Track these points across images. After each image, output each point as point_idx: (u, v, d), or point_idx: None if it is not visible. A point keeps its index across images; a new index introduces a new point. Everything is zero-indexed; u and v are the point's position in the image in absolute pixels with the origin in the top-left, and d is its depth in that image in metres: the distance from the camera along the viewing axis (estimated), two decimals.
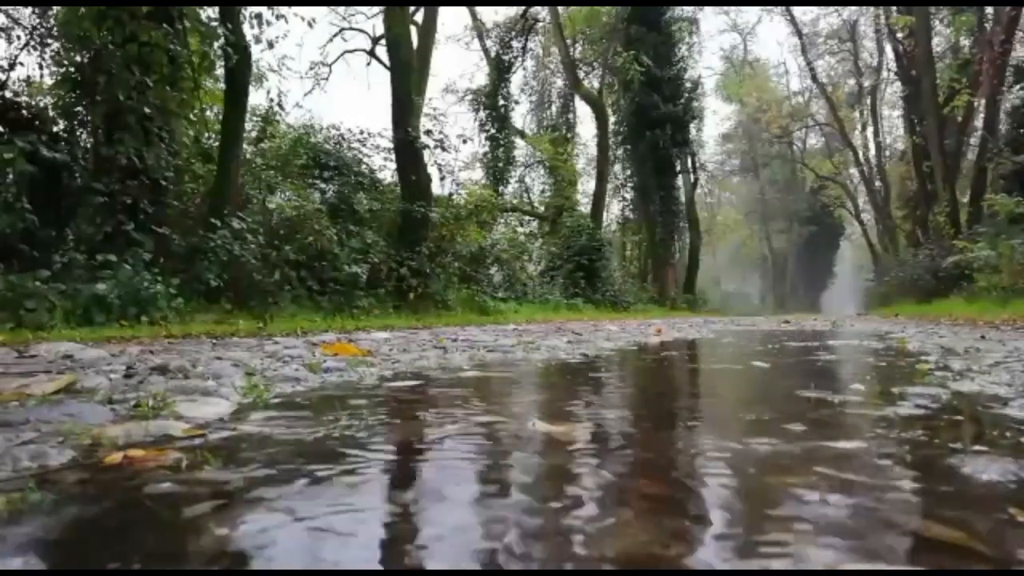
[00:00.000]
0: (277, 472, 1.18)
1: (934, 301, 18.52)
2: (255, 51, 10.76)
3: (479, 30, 29.11)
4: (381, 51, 21.17)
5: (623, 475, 1.19)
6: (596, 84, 29.71)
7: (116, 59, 8.20)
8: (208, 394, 2.09)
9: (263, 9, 10.10)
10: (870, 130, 38.57)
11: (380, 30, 20.45)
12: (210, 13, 10.30)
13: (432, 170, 14.36)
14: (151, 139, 8.57)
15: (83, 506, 1.00)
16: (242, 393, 2.14)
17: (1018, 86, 19.68)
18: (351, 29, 24.44)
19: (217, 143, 11.16)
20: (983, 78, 21.05)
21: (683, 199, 30.93)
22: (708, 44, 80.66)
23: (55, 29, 8.74)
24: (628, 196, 30.35)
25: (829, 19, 37.34)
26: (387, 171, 15.64)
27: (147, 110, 8.45)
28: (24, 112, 8.03)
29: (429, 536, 0.87)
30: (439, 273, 13.58)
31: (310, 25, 11.65)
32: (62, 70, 8.74)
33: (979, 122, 23.68)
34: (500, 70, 27.88)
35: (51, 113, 8.52)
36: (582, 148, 35.57)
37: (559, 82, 31.54)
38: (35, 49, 8.67)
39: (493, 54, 28.66)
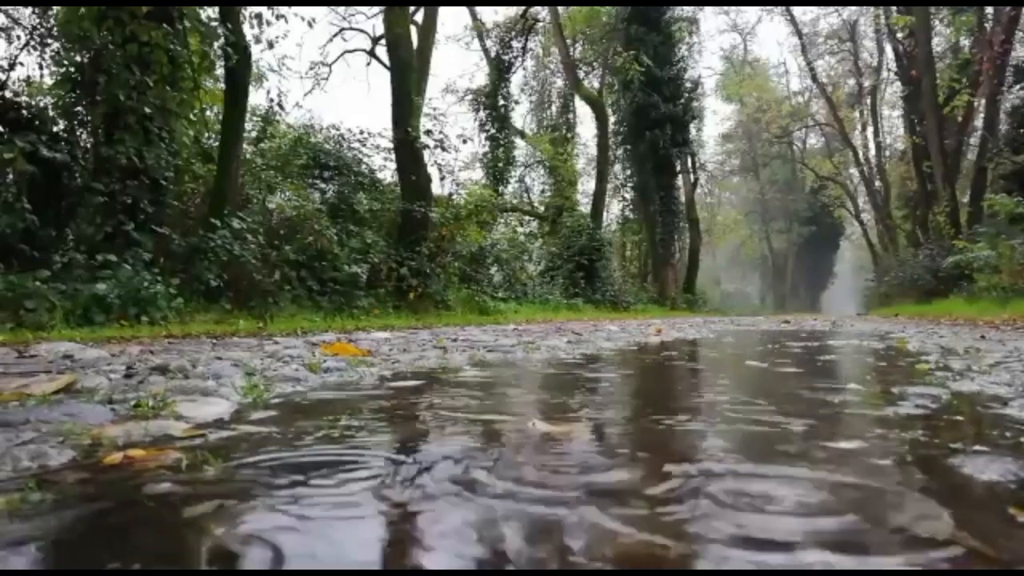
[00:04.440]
0: (278, 472, 1.18)
1: (934, 301, 18.53)
2: (255, 51, 10.79)
3: (479, 30, 29.09)
4: (381, 51, 21.20)
5: (622, 475, 1.19)
6: (596, 84, 29.70)
7: (116, 59, 8.20)
8: (208, 394, 2.09)
9: (263, 9, 10.12)
10: (870, 130, 38.62)
11: (380, 30, 20.49)
12: (210, 13, 10.31)
13: (432, 170, 14.38)
14: (151, 139, 8.57)
15: (83, 506, 1.00)
16: (242, 393, 2.14)
17: (1018, 86, 19.70)
18: (351, 29, 24.50)
19: (217, 143, 11.16)
20: (983, 78, 21.07)
21: (683, 199, 30.92)
22: (708, 44, 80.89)
23: (55, 29, 8.74)
24: (628, 196, 30.35)
25: (829, 19, 37.44)
26: (387, 171, 15.67)
27: (147, 110, 8.45)
28: (24, 112, 8.02)
29: (429, 535, 0.87)
30: (439, 273, 13.58)
31: (310, 25, 11.68)
32: (62, 70, 8.73)
33: (979, 122, 23.71)
34: (500, 70, 27.87)
35: (51, 113, 8.52)
36: (582, 148, 35.61)
37: (559, 82, 31.57)
38: (35, 49, 8.67)
39: (493, 54, 28.65)
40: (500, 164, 26.64)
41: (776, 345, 5.30)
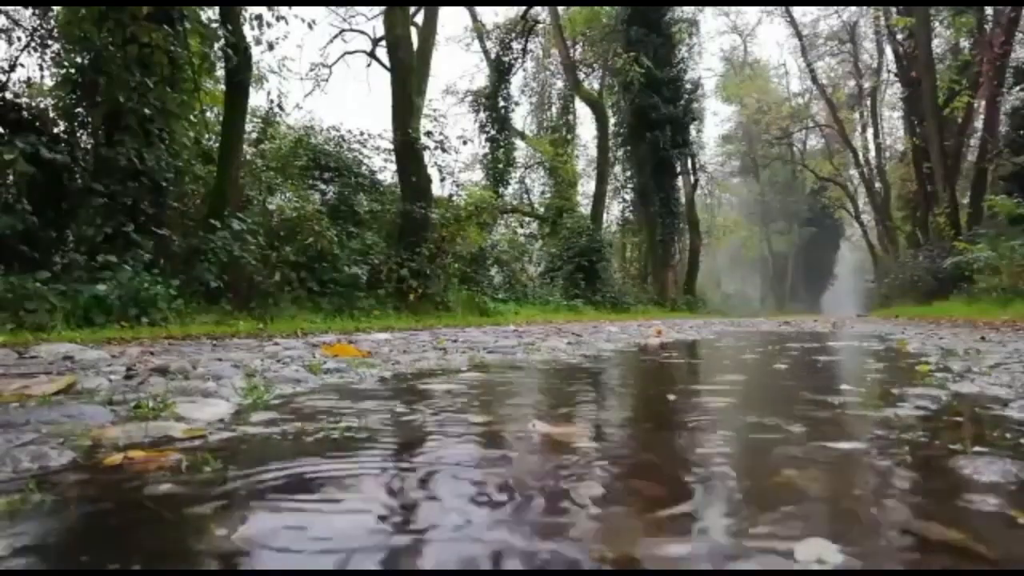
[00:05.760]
0: (278, 473, 1.18)
1: (934, 302, 18.51)
2: (255, 52, 10.77)
3: (479, 31, 29.11)
4: (381, 52, 21.20)
5: (622, 477, 1.19)
6: (596, 85, 29.71)
7: (116, 60, 8.21)
8: (208, 395, 2.09)
9: (263, 10, 10.12)
10: (870, 131, 38.57)
11: (380, 31, 20.49)
12: (210, 14, 10.31)
13: (432, 171, 14.40)
14: (151, 140, 8.57)
15: (83, 507, 1.00)
16: (242, 394, 2.14)
17: (1018, 87, 19.70)
18: (351, 31, 24.50)
19: (217, 144, 11.16)
20: (983, 79, 21.06)
21: (683, 200, 30.89)
22: (708, 45, 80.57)
23: (55, 30, 8.75)
24: (628, 197, 30.33)
25: (829, 20, 37.38)
26: (387, 172, 15.70)
27: (147, 111, 8.45)
28: (25, 113, 8.03)
29: (428, 536, 0.87)
30: (439, 274, 13.58)
31: (310, 27, 11.65)
32: (63, 71, 8.74)
33: (979, 123, 23.68)
34: (500, 71, 27.87)
35: (52, 114, 8.52)
36: (582, 149, 35.59)
37: (559, 83, 31.52)
38: (36, 51, 8.68)
39: (493, 55, 28.65)
40: (500, 165, 26.63)
41: (777, 347, 5.29)
